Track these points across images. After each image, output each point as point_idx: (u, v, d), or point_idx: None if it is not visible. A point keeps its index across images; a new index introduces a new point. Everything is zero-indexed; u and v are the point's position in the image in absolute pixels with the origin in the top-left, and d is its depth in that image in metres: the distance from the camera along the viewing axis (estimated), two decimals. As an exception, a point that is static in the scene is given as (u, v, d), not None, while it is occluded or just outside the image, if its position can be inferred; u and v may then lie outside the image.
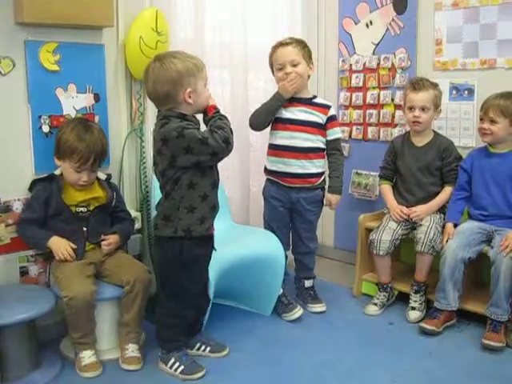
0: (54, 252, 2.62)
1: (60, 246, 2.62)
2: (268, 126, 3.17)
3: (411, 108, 3.20)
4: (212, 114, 2.43)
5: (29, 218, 2.65)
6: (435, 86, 3.21)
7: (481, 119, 3.04)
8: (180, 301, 2.52)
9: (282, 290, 3.14)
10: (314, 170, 3.15)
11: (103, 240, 2.73)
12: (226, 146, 2.33)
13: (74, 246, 2.64)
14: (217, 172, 2.50)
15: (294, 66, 3.07)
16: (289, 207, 3.22)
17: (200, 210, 2.41)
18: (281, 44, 3.09)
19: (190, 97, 2.36)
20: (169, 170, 2.38)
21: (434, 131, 3.30)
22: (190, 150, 2.30)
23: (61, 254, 2.60)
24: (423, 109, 3.16)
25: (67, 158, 2.64)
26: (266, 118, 3.12)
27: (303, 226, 3.25)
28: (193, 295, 2.54)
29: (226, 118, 2.43)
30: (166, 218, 2.43)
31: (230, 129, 2.38)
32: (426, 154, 3.24)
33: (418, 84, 3.19)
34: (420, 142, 3.27)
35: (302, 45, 3.11)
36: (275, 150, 3.15)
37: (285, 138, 3.11)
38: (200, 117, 2.52)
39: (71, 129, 2.66)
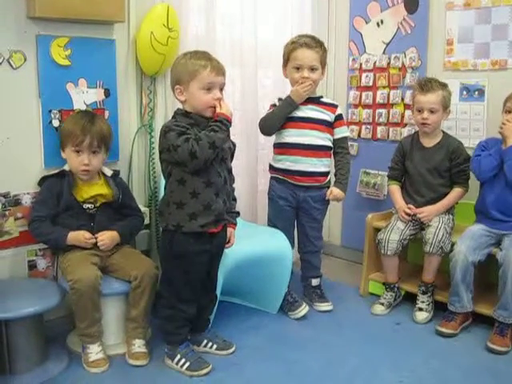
0: (80, 244, 2.64)
1: (79, 238, 2.64)
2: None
3: (420, 110, 3.18)
4: (212, 122, 2.42)
5: (44, 214, 2.65)
6: (444, 86, 3.18)
7: (508, 111, 2.95)
8: (173, 292, 2.54)
9: (287, 288, 3.14)
10: (322, 169, 3.16)
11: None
12: (191, 158, 2.32)
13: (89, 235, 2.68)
14: (216, 172, 2.47)
15: (312, 70, 3.07)
16: (295, 206, 3.21)
17: (190, 207, 2.43)
18: (305, 45, 3.06)
19: (181, 93, 2.45)
20: (163, 164, 2.50)
21: (444, 132, 3.28)
22: (169, 151, 2.38)
23: (85, 242, 2.64)
24: (432, 111, 3.14)
25: (67, 143, 2.67)
26: (280, 122, 3.12)
27: (310, 224, 3.25)
28: (184, 288, 2.53)
29: (221, 129, 2.38)
30: (160, 212, 2.55)
31: (211, 143, 2.33)
32: (435, 154, 3.22)
33: (426, 85, 3.16)
34: (429, 142, 3.26)
35: (323, 49, 3.12)
36: (284, 148, 3.14)
37: (296, 135, 3.11)
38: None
39: (71, 117, 2.73)
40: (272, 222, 3.28)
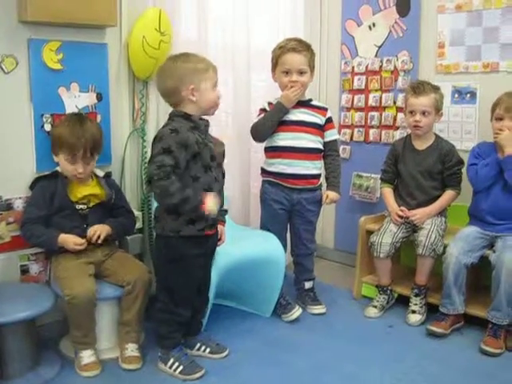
0: (68, 248, 2.62)
1: (69, 240, 2.62)
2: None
3: (412, 112, 3.19)
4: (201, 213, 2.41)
5: (35, 216, 2.64)
6: (436, 89, 3.19)
7: (500, 118, 2.95)
8: (170, 296, 2.54)
9: (280, 291, 3.13)
10: (315, 171, 3.18)
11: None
12: (160, 191, 2.34)
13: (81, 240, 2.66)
14: (213, 178, 2.48)
15: (301, 73, 3.08)
16: (289, 209, 3.22)
17: (187, 215, 2.43)
18: (293, 49, 3.07)
19: (192, 94, 2.44)
20: None
21: (436, 134, 3.29)
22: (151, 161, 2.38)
23: (74, 246, 2.62)
24: (424, 113, 3.15)
25: (60, 151, 2.66)
26: (272, 128, 3.13)
27: (304, 227, 3.25)
28: (182, 292, 2.54)
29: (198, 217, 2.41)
30: (156, 218, 2.55)
31: (175, 201, 2.32)
32: (427, 157, 3.23)
33: (418, 88, 3.17)
34: (421, 145, 3.26)
35: (311, 52, 3.13)
36: (277, 151, 3.15)
37: (288, 139, 3.12)
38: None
39: (63, 122, 2.70)
40: (265, 226, 3.28)
